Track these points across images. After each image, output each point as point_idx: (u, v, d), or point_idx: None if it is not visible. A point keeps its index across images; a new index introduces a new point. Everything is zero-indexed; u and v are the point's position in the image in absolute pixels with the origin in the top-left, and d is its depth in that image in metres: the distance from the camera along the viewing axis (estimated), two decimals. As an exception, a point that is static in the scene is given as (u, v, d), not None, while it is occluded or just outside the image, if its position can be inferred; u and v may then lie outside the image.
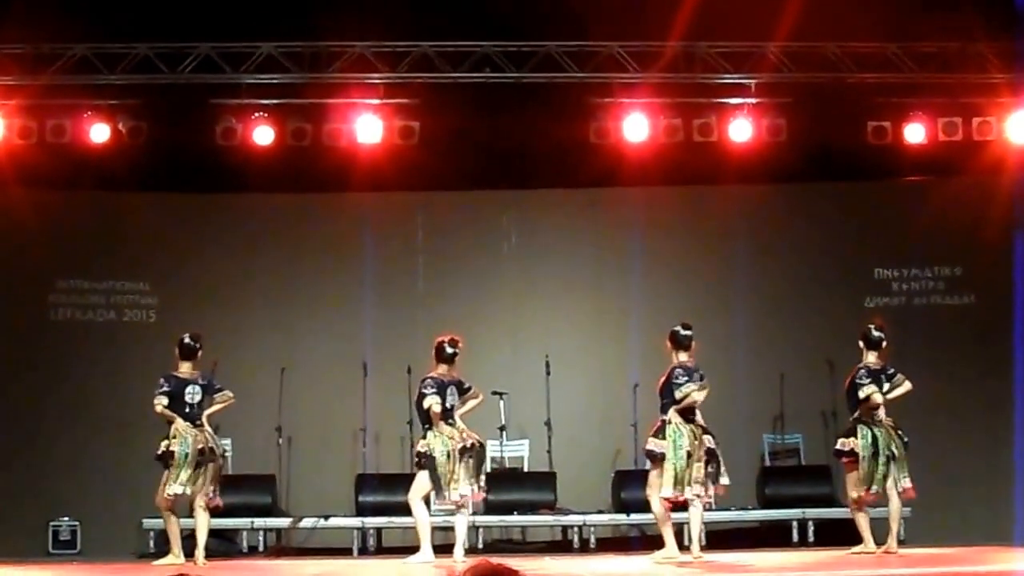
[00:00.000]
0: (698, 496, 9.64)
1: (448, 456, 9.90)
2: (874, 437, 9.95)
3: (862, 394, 9.99)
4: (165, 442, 10.01)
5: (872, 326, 10.28)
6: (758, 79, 12.31)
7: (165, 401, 10.05)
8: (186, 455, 9.96)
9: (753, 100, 12.43)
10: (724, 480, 9.78)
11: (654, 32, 11.97)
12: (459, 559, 9.79)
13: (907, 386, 10.08)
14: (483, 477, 10.24)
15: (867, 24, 11.92)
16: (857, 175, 13.31)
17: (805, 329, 13.09)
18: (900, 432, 10.05)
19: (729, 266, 13.53)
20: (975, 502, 12.64)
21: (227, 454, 12.23)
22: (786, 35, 11.89)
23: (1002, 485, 12.42)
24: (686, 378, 9.65)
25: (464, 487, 9.94)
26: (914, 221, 13.42)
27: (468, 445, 9.97)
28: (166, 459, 10.00)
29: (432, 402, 9.93)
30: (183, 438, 9.98)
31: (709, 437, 9.70)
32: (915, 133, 12.62)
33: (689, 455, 9.57)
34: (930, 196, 13.37)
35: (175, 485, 9.97)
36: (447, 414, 9.99)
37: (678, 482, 9.57)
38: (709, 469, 9.66)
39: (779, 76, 12.25)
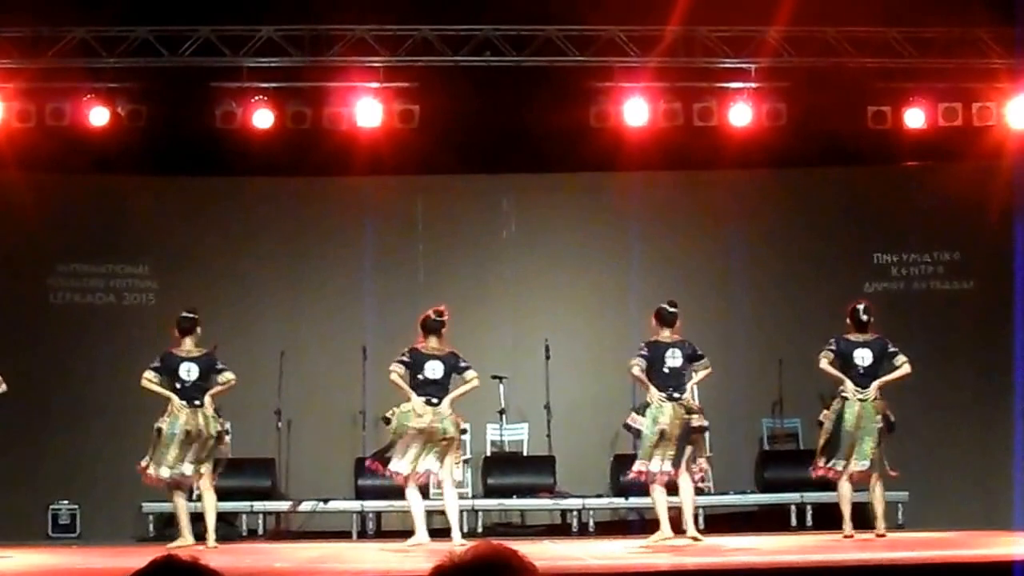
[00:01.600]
0: (666, 473, 9.61)
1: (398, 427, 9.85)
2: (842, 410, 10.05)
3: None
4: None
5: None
6: (758, 64, 12.29)
7: (151, 375, 10.05)
8: (173, 435, 9.93)
9: (753, 84, 12.40)
10: (702, 463, 9.76)
11: (654, 16, 11.96)
12: (457, 542, 9.72)
13: (904, 370, 10.08)
14: (424, 463, 9.87)
15: (867, 9, 11.91)
16: (857, 160, 13.31)
17: (804, 314, 13.07)
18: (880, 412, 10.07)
19: (728, 251, 13.54)
20: (973, 486, 12.68)
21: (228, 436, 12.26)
22: (786, 20, 11.88)
23: (1000, 470, 12.44)
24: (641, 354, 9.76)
25: (423, 464, 9.82)
26: (914, 206, 13.44)
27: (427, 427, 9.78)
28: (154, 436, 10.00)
29: (392, 369, 9.89)
30: (174, 418, 9.95)
31: (697, 416, 9.69)
32: (915, 118, 12.60)
33: (663, 433, 9.58)
34: (930, 181, 13.40)
35: (163, 468, 9.92)
36: (424, 388, 9.87)
37: (643, 457, 9.64)
38: (691, 449, 9.67)
39: (779, 61, 12.24)
